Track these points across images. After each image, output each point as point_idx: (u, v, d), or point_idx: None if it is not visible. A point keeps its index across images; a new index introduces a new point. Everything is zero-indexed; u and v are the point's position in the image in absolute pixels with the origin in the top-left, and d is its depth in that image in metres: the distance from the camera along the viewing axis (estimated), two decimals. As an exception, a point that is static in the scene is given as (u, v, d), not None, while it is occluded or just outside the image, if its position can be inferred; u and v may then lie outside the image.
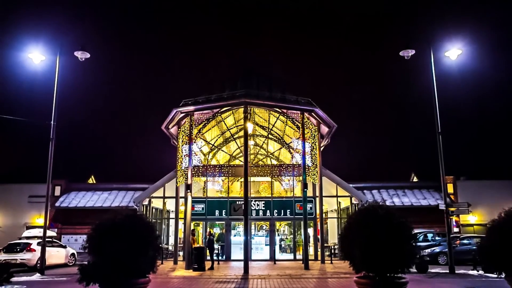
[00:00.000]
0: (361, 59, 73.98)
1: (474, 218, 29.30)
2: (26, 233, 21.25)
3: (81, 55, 17.71)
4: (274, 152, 26.83)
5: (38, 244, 18.04)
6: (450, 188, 30.03)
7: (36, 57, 17.66)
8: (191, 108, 19.34)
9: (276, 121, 23.56)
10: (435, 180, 28.82)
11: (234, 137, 25.56)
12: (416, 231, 23.98)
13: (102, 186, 31.75)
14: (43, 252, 16.13)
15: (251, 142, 24.55)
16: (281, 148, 25.27)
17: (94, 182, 38.04)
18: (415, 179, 38.84)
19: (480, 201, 29.37)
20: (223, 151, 26.31)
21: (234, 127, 25.22)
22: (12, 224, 30.45)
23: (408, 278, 14.06)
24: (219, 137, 25.35)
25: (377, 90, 72.77)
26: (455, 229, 28.02)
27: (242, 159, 21.75)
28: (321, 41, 78.79)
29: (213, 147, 24.92)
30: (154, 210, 25.56)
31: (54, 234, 23.40)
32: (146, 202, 24.00)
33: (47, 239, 17.26)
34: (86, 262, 7.34)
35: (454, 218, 28.28)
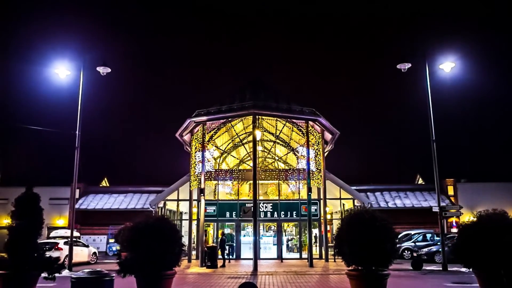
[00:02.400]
0: (363, 67, 75.61)
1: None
2: (54, 234, 22.97)
3: (102, 70, 19.36)
4: (282, 157, 28.27)
5: (65, 243, 19.74)
6: (450, 190, 31.25)
7: (62, 72, 19.34)
8: (204, 118, 20.91)
9: (283, 128, 25.01)
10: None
11: (243, 142, 27.05)
12: (415, 231, 25.43)
13: (118, 189, 33.44)
14: (70, 250, 17.74)
15: (259, 148, 26.00)
16: (288, 152, 26.71)
17: (107, 184, 39.78)
18: (420, 181, 40.02)
19: (480, 203, 30.42)
20: (233, 156, 27.81)
21: (243, 133, 26.71)
22: (34, 225, 32.25)
23: (404, 274, 15.61)
24: (229, 143, 26.85)
25: (382, 96, 74.05)
26: (455, 230, 29.19)
27: (250, 162, 23.36)
28: (323, 53, 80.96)
29: (224, 152, 26.44)
30: (168, 211, 27.13)
31: (78, 234, 25.07)
32: (161, 205, 25.59)
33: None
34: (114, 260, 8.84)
35: (454, 219, 29.50)
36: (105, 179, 41.96)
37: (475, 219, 8.78)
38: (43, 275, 8.90)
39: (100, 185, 37.89)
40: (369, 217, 8.34)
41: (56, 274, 9.00)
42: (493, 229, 7.63)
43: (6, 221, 33.49)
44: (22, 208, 9.06)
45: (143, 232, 8.35)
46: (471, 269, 8.63)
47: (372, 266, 8.23)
